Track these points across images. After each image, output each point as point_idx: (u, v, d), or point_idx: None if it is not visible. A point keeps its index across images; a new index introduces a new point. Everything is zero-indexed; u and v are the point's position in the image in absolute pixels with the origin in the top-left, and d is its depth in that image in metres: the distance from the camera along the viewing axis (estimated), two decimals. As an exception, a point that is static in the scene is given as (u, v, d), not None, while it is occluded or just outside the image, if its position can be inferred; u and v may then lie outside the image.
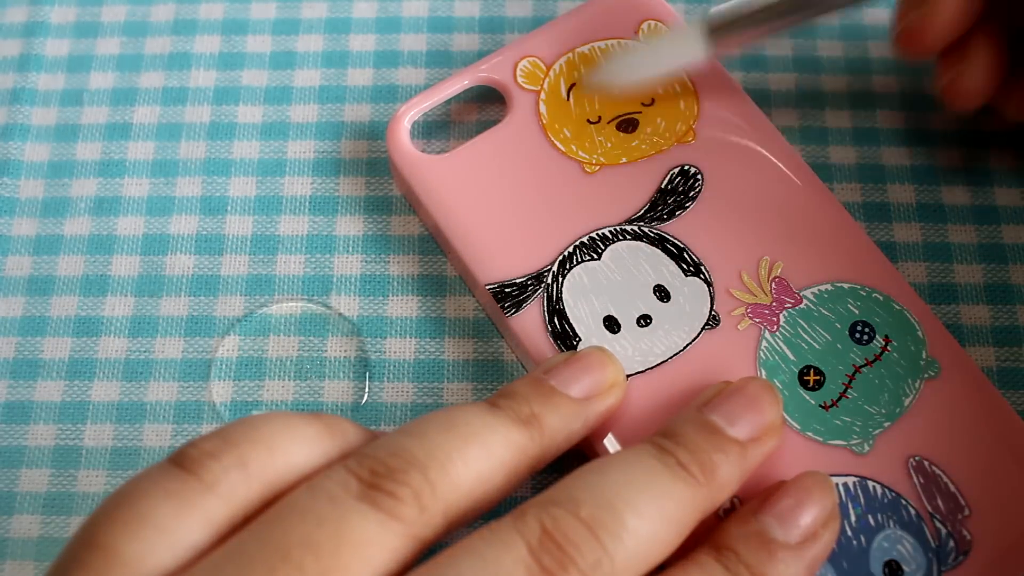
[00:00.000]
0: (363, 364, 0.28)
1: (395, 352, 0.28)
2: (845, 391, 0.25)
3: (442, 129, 0.31)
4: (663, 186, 0.28)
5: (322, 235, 0.30)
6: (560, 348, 0.26)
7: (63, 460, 0.27)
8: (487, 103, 0.31)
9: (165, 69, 0.32)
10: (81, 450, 0.27)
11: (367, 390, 0.28)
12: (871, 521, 0.24)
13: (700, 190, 0.28)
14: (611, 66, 0.26)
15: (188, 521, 0.18)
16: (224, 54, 0.32)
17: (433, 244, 0.29)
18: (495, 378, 0.28)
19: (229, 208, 0.30)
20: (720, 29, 0.23)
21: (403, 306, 0.29)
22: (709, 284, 0.26)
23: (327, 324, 0.28)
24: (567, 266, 0.27)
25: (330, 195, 0.30)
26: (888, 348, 0.26)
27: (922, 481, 0.24)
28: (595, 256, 0.27)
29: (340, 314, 0.29)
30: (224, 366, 0.28)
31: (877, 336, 0.26)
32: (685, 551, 0.21)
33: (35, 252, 0.30)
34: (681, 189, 0.28)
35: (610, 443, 0.25)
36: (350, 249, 0.29)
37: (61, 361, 0.28)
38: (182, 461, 0.19)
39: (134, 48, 0.32)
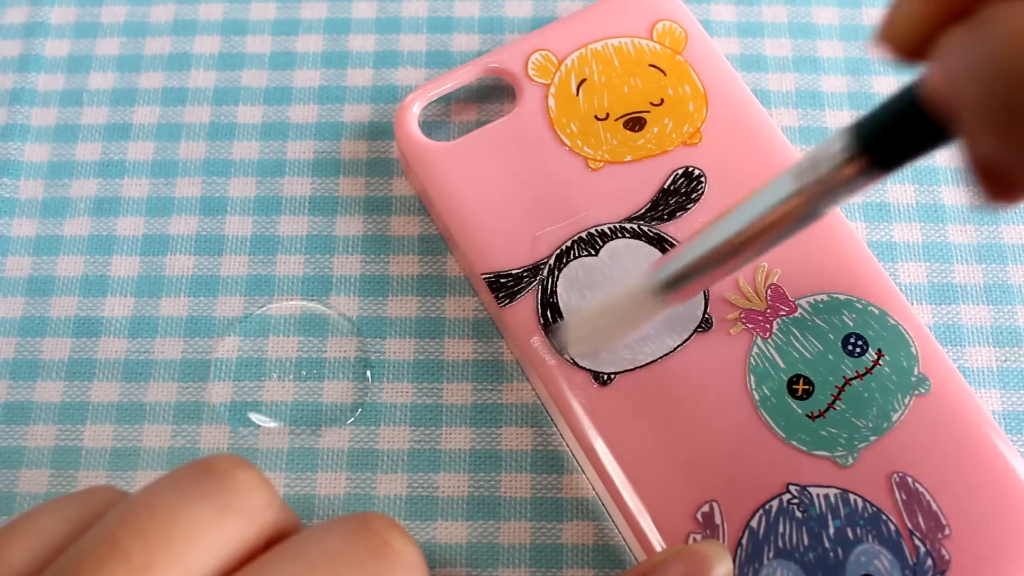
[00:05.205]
0: (363, 364, 0.28)
1: (395, 352, 0.28)
2: (833, 402, 0.25)
3: (442, 129, 0.31)
4: (666, 186, 0.28)
5: (322, 235, 0.30)
6: (551, 341, 0.26)
7: (63, 461, 0.27)
8: (488, 102, 0.31)
9: (165, 69, 0.32)
10: (81, 451, 0.27)
11: (367, 390, 0.28)
12: (850, 534, 0.24)
13: (702, 192, 0.28)
14: (570, 331, 0.26)
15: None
16: (224, 54, 0.32)
17: (433, 244, 0.29)
18: (495, 378, 0.28)
19: (229, 208, 0.30)
20: (671, 286, 0.23)
21: (403, 306, 0.29)
22: None
23: (327, 324, 0.28)
24: (564, 260, 0.27)
25: (330, 195, 0.30)
26: (880, 362, 0.26)
27: (904, 497, 0.24)
28: (593, 252, 0.27)
29: (340, 314, 0.29)
30: (224, 366, 0.28)
31: (870, 349, 0.26)
32: None
33: (35, 252, 0.30)
34: (683, 190, 0.28)
35: (598, 444, 0.25)
36: (350, 249, 0.29)
37: (61, 361, 0.28)
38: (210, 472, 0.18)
39: (134, 48, 0.32)
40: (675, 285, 0.22)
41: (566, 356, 0.26)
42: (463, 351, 0.28)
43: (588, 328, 0.25)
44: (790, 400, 0.25)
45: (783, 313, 0.26)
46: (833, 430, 0.25)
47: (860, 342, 0.26)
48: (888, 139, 0.17)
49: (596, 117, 0.29)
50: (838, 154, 0.18)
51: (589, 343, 0.26)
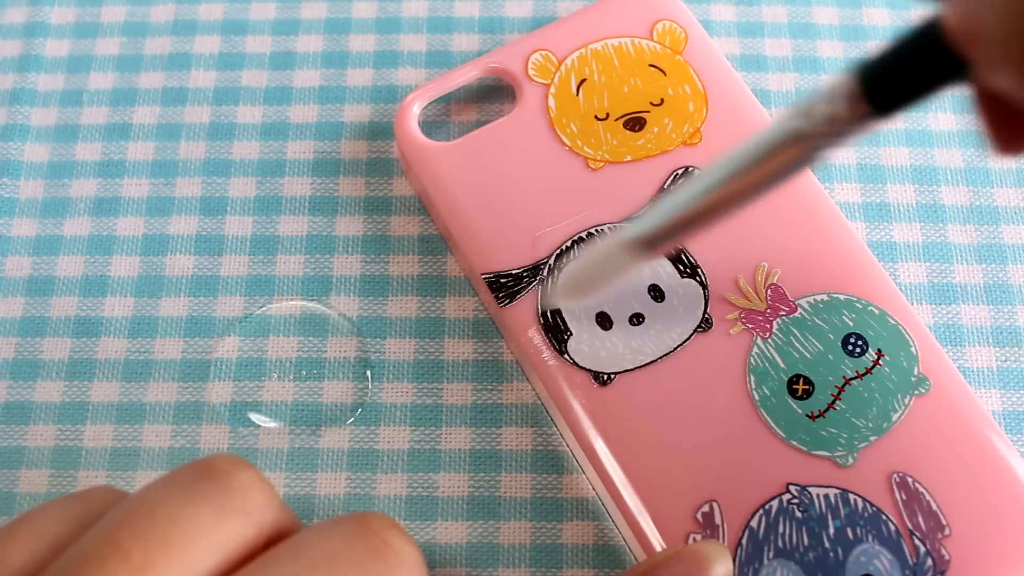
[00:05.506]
0: (363, 364, 0.28)
1: (395, 352, 0.28)
2: (833, 402, 0.25)
3: (442, 129, 0.31)
4: (665, 186, 0.28)
5: (322, 235, 0.30)
6: (551, 341, 0.26)
7: (63, 460, 0.27)
8: (488, 102, 0.31)
9: (165, 69, 0.32)
10: (81, 451, 0.27)
11: (367, 390, 0.28)
12: (850, 534, 0.24)
13: None
14: (557, 286, 0.25)
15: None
16: (224, 54, 0.32)
17: (433, 244, 0.29)
18: (495, 378, 0.28)
19: (229, 208, 0.30)
20: (651, 242, 0.22)
21: (403, 306, 0.29)
22: (704, 287, 0.26)
23: (327, 324, 0.28)
24: (564, 260, 0.27)
25: (330, 195, 0.30)
26: (880, 362, 0.26)
27: (904, 497, 0.24)
28: None
29: (340, 314, 0.29)
30: (224, 366, 0.28)
31: (870, 349, 0.26)
32: None
33: (35, 252, 0.30)
34: None
35: (598, 444, 0.25)
36: (350, 249, 0.29)
37: (61, 361, 0.28)
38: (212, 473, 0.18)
39: (134, 48, 0.32)
40: (662, 237, 0.21)
41: (549, 309, 0.26)
42: (463, 351, 0.28)
43: (571, 280, 0.24)
44: (790, 400, 0.25)
45: (783, 313, 0.26)
46: (833, 430, 0.25)
47: (860, 342, 0.26)
48: (896, 74, 0.17)
49: (596, 117, 0.29)
50: (842, 92, 0.17)
51: (572, 294, 0.25)
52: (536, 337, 0.26)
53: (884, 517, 0.24)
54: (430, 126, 0.30)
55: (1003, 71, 0.15)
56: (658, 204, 0.21)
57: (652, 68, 0.29)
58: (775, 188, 0.19)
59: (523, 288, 0.26)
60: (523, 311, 0.26)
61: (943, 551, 0.24)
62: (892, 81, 0.17)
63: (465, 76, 0.29)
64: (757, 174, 0.19)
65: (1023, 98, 0.15)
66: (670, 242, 0.22)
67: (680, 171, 0.28)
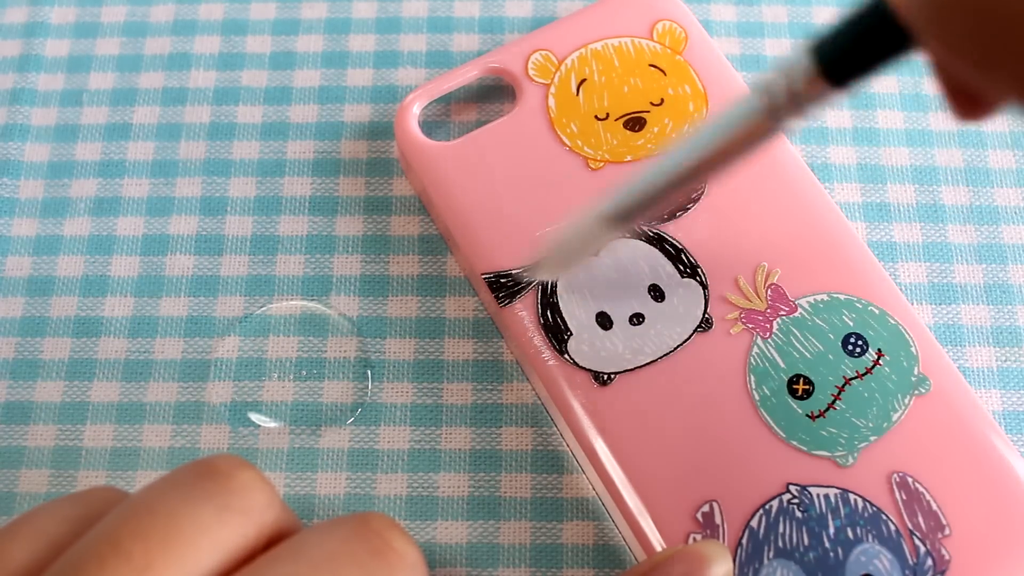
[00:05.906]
0: (363, 364, 0.28)
1: (395, 352, 0.28)
2: (834, 402, 0.25)
3: (442, 129, 0.31)
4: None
5: (322, 235, 0.30)
6: (551, 341, 0.26)
7: (63, 460, 0.27)
8: (488, 102, 0.31)
9: (165, 69, 0.32)
10: (81, 451, 0.27)
11: (367, 390, 0.28)
12: (850, 534, 0.24)
13: (702, 193, 0.28)
14: (541, 260, 0.26)
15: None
16: (224, 54, 0.32)
17: (433, 244, 0.29)
18: (495, 378, 0.28)
19: (229, 208, 0.30)
20: (621, 218, 0.23)
21: (403, 306, 0.29)
22: (705, 287, 0.26)
23: (327, 324, 0.28)
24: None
25: (330, 195, 0.30)
26: (880, 362, 0.26)
27: (904, 497, 0.24)
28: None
29: (340, 314, 0.29)
30: (224, 366, 0.28)
31: (870, 349, 0.26)
32: None
33: (35, 252, 0.30)
34: None
35: (598, 444, 0.25)
36: (350, 249, 0.29)
37: (61, 361, 0.28)
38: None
39: (134, 48, 0.32)
40: (636, 210, 0.22)
41: (537, 279, 0.26)
42: (463, 351, 0.28)
43: (555, 252, 0.25)
44: (790, 400, 0.25)
45: (783, 313, 0.26)
46: (833, 430, 0.25)
47: (860, 342, 0.26)
48: (848, 49, 0.17)
49: (596, 117, 0.29)
50: (798, 68, 0.18)
51: (557, 265, 0.26)
52: (536, 337, 0.26)
53: (884, 517, 0.24)
54: (430, 126, 0.30)
55: (932, 44, 0.15)
56: (630, 181, 0.22)
57: (652, 68, 0.29)
58: (742, 159, 0.20)
59: (523, 288, 0.26)
60: (523, 311, 0.26)
61: (943, 551, 0.24)
62: (845, 56, 0.17)
63: (465, 76, 0.29)
64: (724, 149, 0.20)
65: (955, 71, 0.15)
66: (641, 215, 0.22)
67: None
